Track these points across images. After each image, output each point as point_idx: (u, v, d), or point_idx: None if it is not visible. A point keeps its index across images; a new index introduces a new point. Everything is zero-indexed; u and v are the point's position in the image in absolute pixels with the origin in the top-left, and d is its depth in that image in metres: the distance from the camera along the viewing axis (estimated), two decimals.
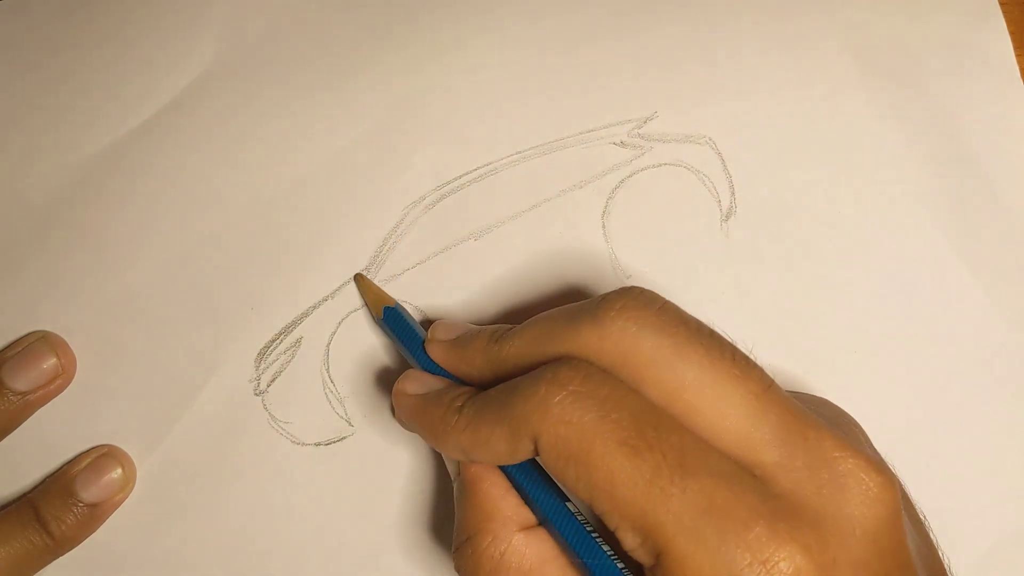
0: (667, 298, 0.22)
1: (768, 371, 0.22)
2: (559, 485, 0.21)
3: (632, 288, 0.22)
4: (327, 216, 0.32)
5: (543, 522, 0.23)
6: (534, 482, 0.23)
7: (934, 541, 0.23)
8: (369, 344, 0.31)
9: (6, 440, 0.30)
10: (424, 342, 0.27)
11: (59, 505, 0.29)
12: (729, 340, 0.22)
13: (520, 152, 0.32)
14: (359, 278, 0.31)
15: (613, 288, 0.31)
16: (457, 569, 0.24)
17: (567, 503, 0.23)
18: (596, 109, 0.32)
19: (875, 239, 0.32)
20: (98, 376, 0.31)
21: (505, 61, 0.33)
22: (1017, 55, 0.33)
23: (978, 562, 0.30)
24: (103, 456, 0.30)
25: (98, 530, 0.30)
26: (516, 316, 0.31)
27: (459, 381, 0.26)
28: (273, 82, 0.33)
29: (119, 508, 0.30)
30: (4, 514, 0.29)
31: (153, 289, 0.31)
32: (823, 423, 0.20)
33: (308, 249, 0.31)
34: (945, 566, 0.23)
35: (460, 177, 0.32)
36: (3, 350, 0.30)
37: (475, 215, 0.32)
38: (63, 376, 0.30)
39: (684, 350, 0.21)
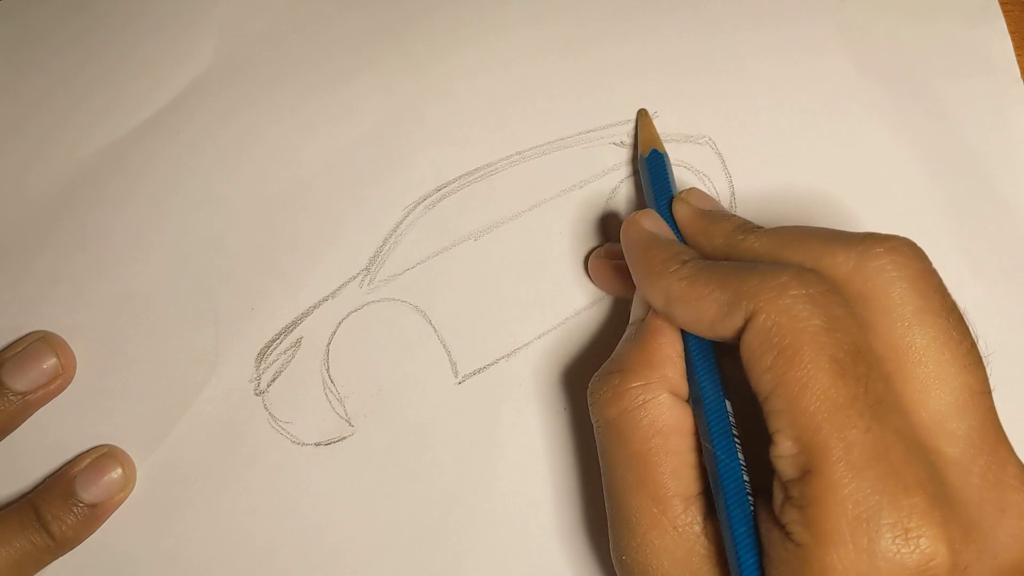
0: (933, 265, 0.22)
1: None
2: (746, 369, 0.21)
3: (903, 238, 0.22)
4: (327, 216, 0.32)
5: (694, 402, 0.23)
6: (707, 362, 0.23)
7: None
8: (369, 344, 0.31)
9: (6, 440, 0.30)
10: (674, 199, 0.27)
11: (59, 505, 0.29)
12: (973, 334, 0.21)
13: (520, 152, 0.32)
14: (643, 113, 0.31)
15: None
16: (591, 391, 0.24)
17: (726, 402, 0.23)
18: (596, 109, 0.32)
19: None
20: (98, 376, 0.31)
21: (505, 62, 0.33)
22: (1017, 55, 0.33)
23: None
24: (103, 456, 0.30)
25: (98, 530, 0.30)
26: (517, 316, 0.31)
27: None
28: (273, 83, 0.33)
29: (119, 508, 0.30)
30: (4, 514, 0.29)
31: (153, 289, 0.31)
32: (1014, 451, 0.21)
33: (308, 249, 0.31)
34: None
35: (460, 177, 0.32)
36: (3, 350, 0.30)
37: (475, 215, 0.32)
38: (63, 376, 0.30)
39: (926, 317, 0.21)
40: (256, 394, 0.31)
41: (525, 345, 0.31)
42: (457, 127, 0.32)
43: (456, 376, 0.31)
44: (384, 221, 0.32)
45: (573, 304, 0.31)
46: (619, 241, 0.27)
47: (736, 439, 0.22)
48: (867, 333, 0.21)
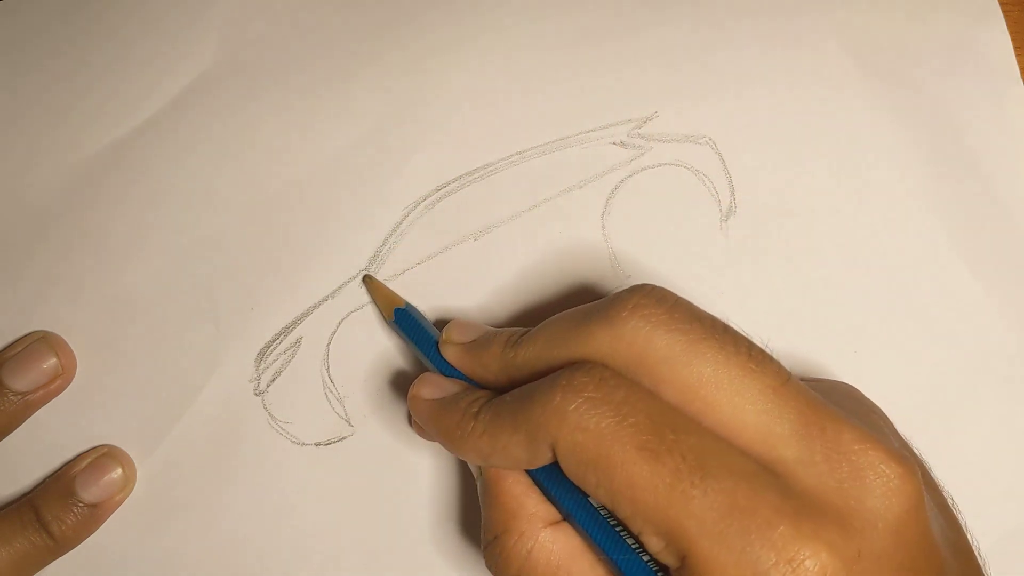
0: (678, 294, 0.22)
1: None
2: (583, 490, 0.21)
3: (643, 286, 0.22)
4: (327, 216, 0.32)
5: (567, 518, 0.23)
6: (555, 481, 0.23)
7: (962, 523, 0.23)
8: (369, 344, 0.31)
9: (6, 440, 0.30)
10: (438, 343, 0.27)
11: (59, 505, 0.29)
12: (744, 335, 0.21)
13: (520, 152, 0.32)
14: (368, 279, 0.31)
15: (613, 288, 0.31)
16: (488, 566, 0.24)
17: (589, 498, 0.23)
18: (596, 109, 0.32)
19: (875, 239, 0.32)
20: (98, 376, 0.31)
21: (505, 61, 0.33)
22: (1017, 55, 0.33)
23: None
24: (103, 456, 0.30)
25: (98, 530, 0.30)
26: (517, 317, 0.31)
27: (473, 383, 0.26)
28: (273, 82, 0.33)
29: (119, 508, 0.30)
30: (4, 514, 0.29)
31: (153, 289, 0.31)
32: (842, 415, 0.20)
33: (308, 249, 0.31)
34: (974, 547, 0.23)
35: (460, 177, 0.32)
36: (3, 350, 0.30)
37: (475, 215, 0.32)
38: (63, 376, 0.30)
39: (698, 346, 0.21)
40: (256, 394, 0.31)
41: None
42: (457, 127, 0.32)
43: None
44: (384, 221, 0.32)
45: (573, 304, 0.31)
46: None
47: (620, 532, 0.22)
48: (659, 393, 0.21)
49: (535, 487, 0.23)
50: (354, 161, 0.32)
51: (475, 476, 0.25)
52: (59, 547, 0.29)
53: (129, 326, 0.31)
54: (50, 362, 0.30)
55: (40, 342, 0.30)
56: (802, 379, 0.24)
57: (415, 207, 0.32)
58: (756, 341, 0.21)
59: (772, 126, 0.33)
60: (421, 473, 0.30)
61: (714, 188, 0.32)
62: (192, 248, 0.31)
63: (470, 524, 0.30)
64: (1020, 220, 0.32)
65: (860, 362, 0.31)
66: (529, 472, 0.23)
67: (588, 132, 0.32)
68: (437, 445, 0.30)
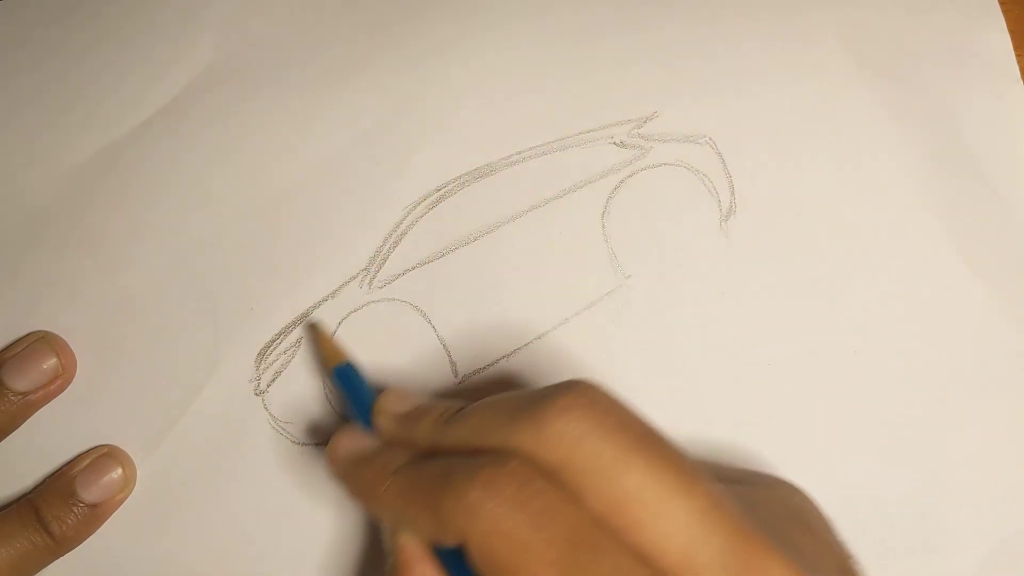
0: (614, 397, 0.21)
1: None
2: None
3: (577, 384, 0.21)
4: (327, 216, 0.32)
5: None
6: (464, 564, 0.21)
7: None
8: (370, 344, 0.31)
9: (6, 440, 0.30)
10: (371, 411, 0.26)
11: (60, 505, 0.29)
12: (677, 448, 0.20)
13: (520, 152, 0.32)
14: (313, 328, 0.30)
15: (612, 287, 0.31)
16: None
17: None
18: (596, 109, 0.32)
19: (875, 239, 0.32)
20: (98, 376, 0.31)
21: (505, 61, 0.33)
22: (1017, 55, 0.33)
23: (980, 563, 0.30)
24: (103, 456, 0.30)
25: (98, 530, 0.30)
26: (516, 317, 0.31)
27: None
28: (273, 82, 0.33)
29: (119, 508, 0.30)
30: (5, 514, 0.29)
31: (153, 289, 0.31)
32: (772, 545, 0.19)
33: (308, 249, 0.31)
34: None
35: (460, 177, 0.32)
36: (3, 350, 0.30)
37: (475, 215, 0.32)
38: (63, 376, 0.30)
39: (627, 458, 0.20)
40: (256, 394, 0.31)
41: (525, 345, 0.31)
42: (457, 126, 0.32)
43: (456, 376, 0.31)
44: (384, 221, 0.32)
45: (573, 304, 0.31)
46: None
47: None
48: (583, 501, 0.20)
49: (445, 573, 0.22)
50: (354, 161, 0.32)
51: (386, 553, 0.24)
52: (59, 547, 0.29)
53: (129, 326, 0.31)
54: (50, 362, 0.30)
55: (40, 342, 0.30)
56: (744, 472, 0.24)
57: (415, 207, 0.32)
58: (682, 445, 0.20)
59: (772, 125, 0.33)
60: None
61: (714, 188, 0.32)
62: (192, 248, 0.31)
63: None
64: (1020, 219, 0.32)
65: (860, 362, 0.31)
66: (440, 555, 0.22)
67: (588, 132, 0.32)
68: None
